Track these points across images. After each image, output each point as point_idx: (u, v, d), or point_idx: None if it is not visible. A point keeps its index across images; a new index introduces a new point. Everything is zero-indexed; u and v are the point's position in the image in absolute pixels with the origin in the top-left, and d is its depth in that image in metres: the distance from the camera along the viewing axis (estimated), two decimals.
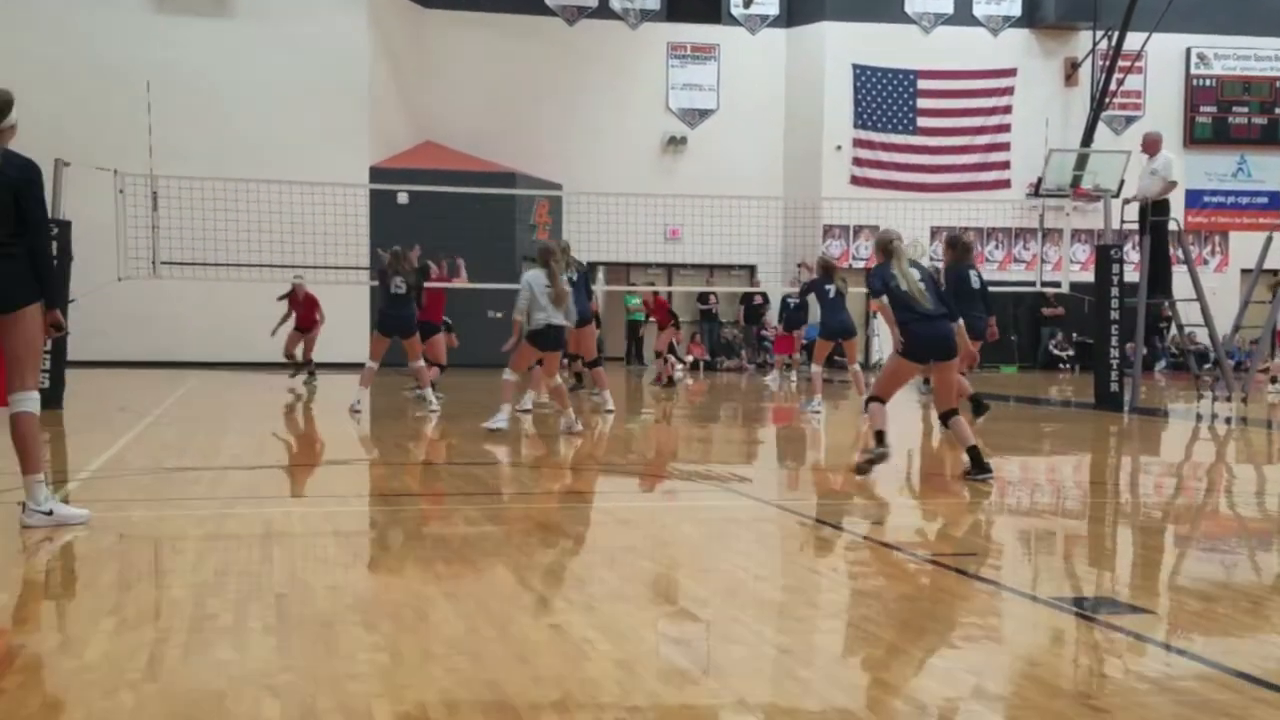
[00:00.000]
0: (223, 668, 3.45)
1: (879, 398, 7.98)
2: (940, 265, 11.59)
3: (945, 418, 7.81)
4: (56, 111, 19.35)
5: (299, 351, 17.29)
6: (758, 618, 4.22)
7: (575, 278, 12.93)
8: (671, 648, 3.84)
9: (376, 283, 12.68)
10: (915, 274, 7.70)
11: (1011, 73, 27.08)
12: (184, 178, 15.07)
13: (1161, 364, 25.98)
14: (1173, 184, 14.69)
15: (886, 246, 7.74)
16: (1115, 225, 15.19)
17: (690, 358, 25.79)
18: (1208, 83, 27.93)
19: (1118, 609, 4.39)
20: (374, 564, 5.21)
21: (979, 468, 7.56)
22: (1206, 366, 19.89)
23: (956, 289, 10.54)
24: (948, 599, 4.51)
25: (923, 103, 26.80)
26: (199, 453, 8.90)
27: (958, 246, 11.02)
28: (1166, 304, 15.68)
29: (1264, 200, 27.87)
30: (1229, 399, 15.35)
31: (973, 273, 10.90)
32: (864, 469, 7.70)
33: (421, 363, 13.05)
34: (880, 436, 7.74)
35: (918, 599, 4.58)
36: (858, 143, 26.59)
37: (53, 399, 11.51)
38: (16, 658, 3.56)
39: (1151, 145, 14.80)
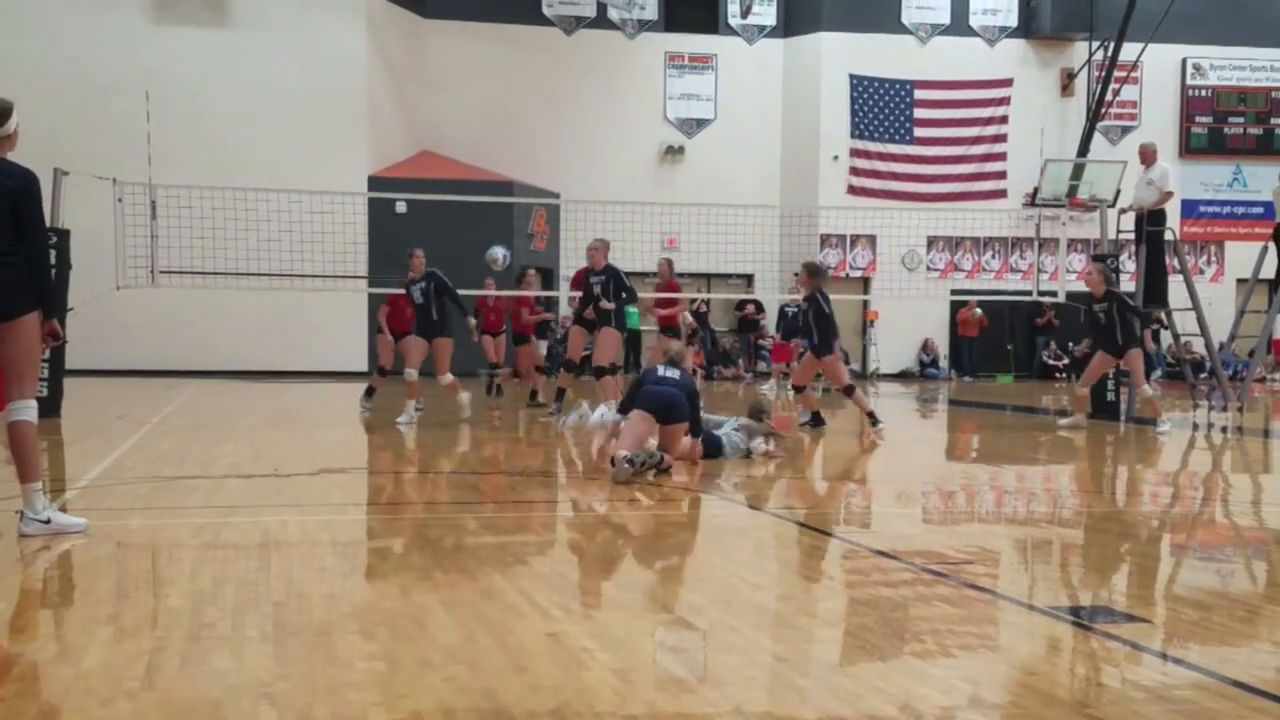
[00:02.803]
0: (220, 676, 3.45)
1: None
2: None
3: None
4: (55, 120, 19.35)
5: None
6: (754, 626, 4.23)
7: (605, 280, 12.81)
8: (668, 656, 3.84)
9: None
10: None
11: (1008, 83, 27.12)
12: (182, 186, 15.05)
13: (1158, 373, 26.00)
14: (1169, 194, 14.72)
15: None
16: (1111, 235, 15.21)
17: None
18: (1203, 93, 28.00)
19: (1114, 618, 4.39)
20: (371, 573, 5.21)
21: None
22: (1202, 376, 19.91)
23: (819, 313, 11.15)
24: (944, 608, 4.51)
25: (919, 113, 26.84)
26: (197, 461, 8.89)
27: (819, 273, 11.87)
28: (1163, 313, 15.70)
29: (1259, 210, 27.90)
30: (1225, 408, 15.37)
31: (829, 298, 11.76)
32: (621, 474, 7.86)
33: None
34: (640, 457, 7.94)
35: (914, 607, 4.58)
36: (854, 153, 26.61)
37: (51, 407, 11.50)
38: (14, 666, 3.56)
39: (1148, 155, 14.84)
